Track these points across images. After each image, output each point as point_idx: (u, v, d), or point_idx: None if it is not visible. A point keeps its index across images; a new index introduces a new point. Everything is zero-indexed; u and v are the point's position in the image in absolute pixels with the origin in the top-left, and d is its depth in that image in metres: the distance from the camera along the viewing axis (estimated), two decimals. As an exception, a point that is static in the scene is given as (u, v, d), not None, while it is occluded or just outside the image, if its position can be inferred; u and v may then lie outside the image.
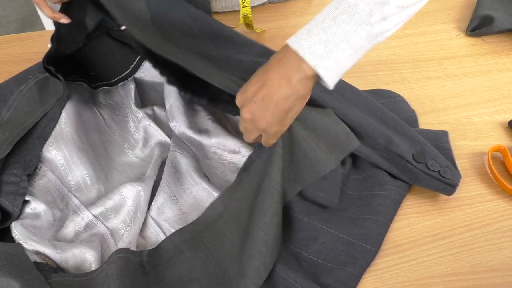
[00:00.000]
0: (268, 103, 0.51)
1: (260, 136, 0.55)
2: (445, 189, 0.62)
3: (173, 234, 0.56)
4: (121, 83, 0.73)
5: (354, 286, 0.54)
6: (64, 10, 0.61)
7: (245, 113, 0.53)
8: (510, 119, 0.73)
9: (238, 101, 0.54)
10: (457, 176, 0.63)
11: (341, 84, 0.67)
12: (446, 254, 0.58)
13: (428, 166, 0.62)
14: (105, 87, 0.73)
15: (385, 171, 0.62)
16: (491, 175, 0.67)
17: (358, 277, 0.55)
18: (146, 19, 0.60)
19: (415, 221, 0.62)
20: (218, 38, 0.65)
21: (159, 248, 0.55)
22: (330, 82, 0.49)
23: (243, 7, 0.82)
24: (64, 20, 0.61)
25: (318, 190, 0.58)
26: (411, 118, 0.72)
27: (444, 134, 0.69)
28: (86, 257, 0.54)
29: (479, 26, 0.90)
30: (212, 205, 0.58)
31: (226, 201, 0.58)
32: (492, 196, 0.65)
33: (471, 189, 0.65)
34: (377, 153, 0.62)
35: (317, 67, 0.47)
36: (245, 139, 0.58)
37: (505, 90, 0.80)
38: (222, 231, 0.56)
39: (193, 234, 0.56)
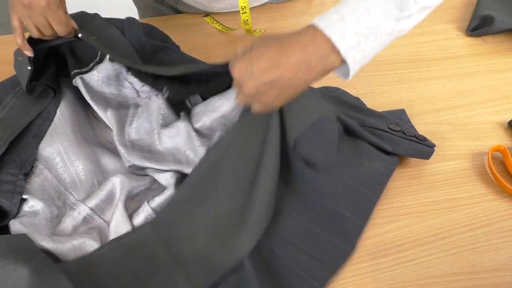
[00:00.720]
0: (281, 85, 0.48)
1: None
2: (424, 151, 0.66)
3: (176, 193, 0.58)
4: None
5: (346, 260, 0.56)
6: (31, 43, 0.62)
7: (249, 89, 0.48)
8: (510, 119, 0.73)
9: (238, 74, 0.49)
10: (431, 142, 0.67)
11: None
12: (446, 254, 0.58)
13: (405, 132, 0.67)
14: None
15: (370, 144, 0.64)
16: (491, 175, 0.67)
17: (347, 253, 0.56)
18: (132, 52, 0.66)
19: (415, 221, 0.61)
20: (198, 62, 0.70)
21: (164, 213, 0.57)
22: (352, 73, 0.47)
23: (242, 13, 0.82)
24: (28, 53, 0.61)
25: (314, 149, 0.57)
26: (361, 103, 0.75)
27: (402, 111, 0.74)
28: (87, 250, 0.54)
29: (479, 26, 0.90)
30: (205, 155, 0.59)
31: (220, 151, 0.59)
32: (492, 196, 0.65)
33: (471, 189, 0.65)
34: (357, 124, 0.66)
35: (347, 59, 0.46)
36: (237, 101, 0.55)
37: (505, 90, 0.80)
38: (216, 182, 0.57)
39: (192, 192, 0.57)
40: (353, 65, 0.46)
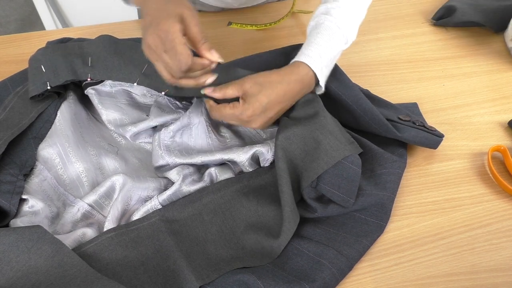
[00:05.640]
0: (281, 113, 0.63)
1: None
2: (432, 139, 0.67)
3: (194, 194, 0.59)
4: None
5: (363, 253, 0.57)
6: None
7: (257, 124, 0.61)
8: (510, 119, 0.73)
9: (249, 116, 0.60)
10: (440, 133, 0.68)
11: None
12: (446, 254, 0.58)
13: (414, 122, 0.68)
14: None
15: (376, 145, 0.66)
16: (491, 175, 0.67)
17: (368, 247, 0.58)
18: None
19: (415, 221, 0.61)
20: None
21: (177, 204, 0.58)
22: (321, 91, 0.67)
23: None
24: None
25: (335, 189, 0.58)
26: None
27: (415, 105, 0.75)
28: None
29: (444, 16, 0.92)
30: (238, 177, 0.61)
31: (251, 177, 0.62)
32: (492, 196, 0.65)
33: (471, 189, 0.65)
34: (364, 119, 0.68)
35: (321, 83, 0.65)
36: (213, 116, 0.63)
37: (505, 90, 0.80)
38: (241, 202, 0.59)
39: (212, 199, 0.59)
40: (322, 85, 0.66)
